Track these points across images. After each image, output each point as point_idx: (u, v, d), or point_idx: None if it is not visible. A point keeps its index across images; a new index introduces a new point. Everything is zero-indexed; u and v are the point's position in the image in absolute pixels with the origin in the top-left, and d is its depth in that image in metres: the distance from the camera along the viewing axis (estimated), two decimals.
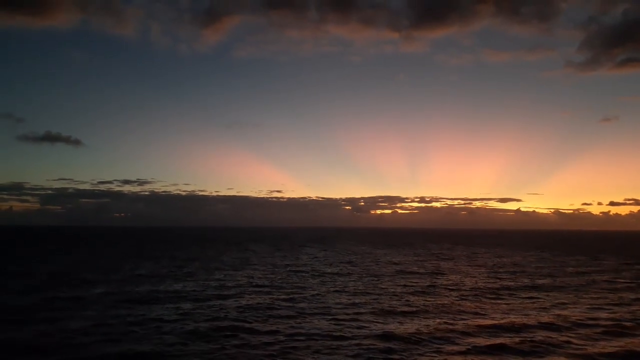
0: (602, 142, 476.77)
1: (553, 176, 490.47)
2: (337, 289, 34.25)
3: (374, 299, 29.75)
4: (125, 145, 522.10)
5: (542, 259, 68.90)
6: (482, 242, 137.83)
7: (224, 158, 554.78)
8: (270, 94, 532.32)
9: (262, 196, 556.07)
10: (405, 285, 36.52)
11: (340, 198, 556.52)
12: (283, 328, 21.61)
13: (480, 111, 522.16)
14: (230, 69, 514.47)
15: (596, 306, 28.37)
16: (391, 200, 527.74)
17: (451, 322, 23.36)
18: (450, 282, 39.36)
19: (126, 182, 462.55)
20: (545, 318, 24.45)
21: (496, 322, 23.47)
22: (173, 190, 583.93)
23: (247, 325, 22.12)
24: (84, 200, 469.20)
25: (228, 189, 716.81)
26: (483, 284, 37.90)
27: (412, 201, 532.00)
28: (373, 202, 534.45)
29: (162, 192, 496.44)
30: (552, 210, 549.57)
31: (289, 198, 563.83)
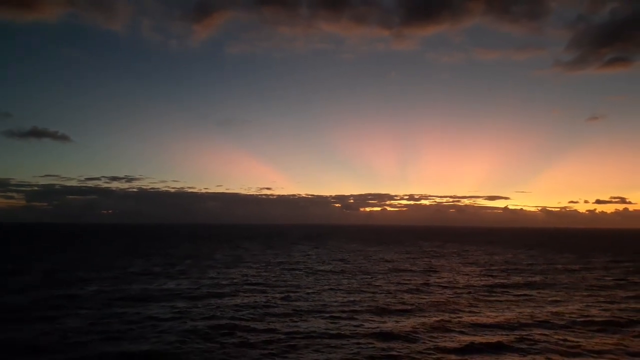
0: (589, 141, 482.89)
1: (541, 174, 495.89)
2: (331, 286, 34.33)
3: (369, 297, 29.87)
4: (114, 142, 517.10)
5: (532, 256, 69.62)
6: (472, 240, 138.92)
7: (214, 155, 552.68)
8: (261, 90, 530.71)
9: (251, 193, 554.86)
10: (399, 283, 36.71)
11: (330, 195, 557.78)
12: (280, 326, 21.63)
13: (469, 109, 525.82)
14: (221, 66, 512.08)
15: (589, 303, 28.76)
16: (381, 198, 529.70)
17: (447, 320, 23.55)
18: (444, 279, 39.64)
19: (114, 178, 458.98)
20: (540, 315, 24.75)
21: (492, 320, 23.70)
22: (162, 187, 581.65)
23: (244, 323, 22.10)
24: (71, 197, 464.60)
25: (217, 185, 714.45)
26: (476, 282, 38.23)
27: (402, 199, 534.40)
28: (363, 199, 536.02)
29: (151, 189, 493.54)
30: (540, 208, 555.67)
31: (278, 195, 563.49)
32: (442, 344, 19.14)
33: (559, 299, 30.49)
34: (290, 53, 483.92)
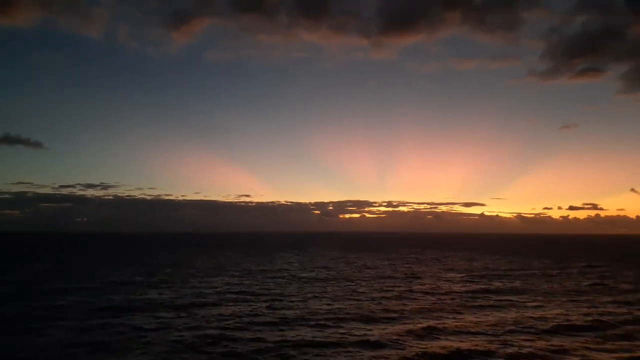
0: (563, 149, 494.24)
1: (516, 181, 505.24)
2: (316, 294, 34.27)
3: (354, 304, 29.90)
4: (89, 148, 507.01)
5: (510, 262, 70.81)
6: (450, 246, 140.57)
7: (191, 162, 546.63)
8: (239, 98, 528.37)
9: (230, 200, 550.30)
10: (382, 290, 36.86)
11: (309, 202, 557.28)
12: (267, 336, 21.46)
13: (446, 117, 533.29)
14: (200, 73, 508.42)
15: (570, 308, 29.34)
16: (359, 205, 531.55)
17: (433, 326, 23.71)
18: (426, 286, 39.96)
19: (89, 186, 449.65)
20: (523, 320, 25.16)
21: (476, 325, 23.98)
22: (138, 194, 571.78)
23: (230, 333, 21.85)
24: (44, 204, 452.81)
25: (195, 193, 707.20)
26: (458, 288, 38.66)
27: (380, 205, 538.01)
28: (342, 206, 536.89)
29: (127, 196, 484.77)
30: (515, 215, 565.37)
31: (257, 202, 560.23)
32: (430, 350, 19.29)
33: (540, 304, 31.06)
34: (270, 61, 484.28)
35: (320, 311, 27.47)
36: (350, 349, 19.61)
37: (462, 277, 47.97)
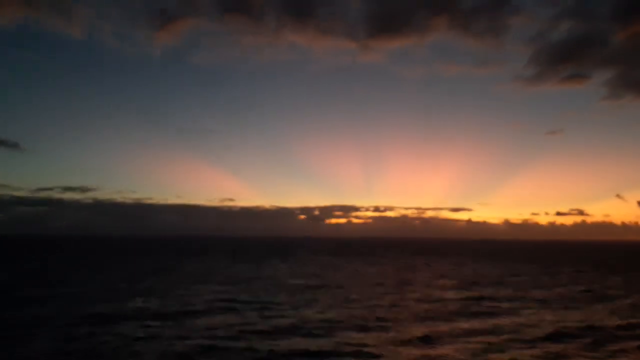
0: (549, 154, 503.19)
1: (502, 186, 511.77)
2: (307, 302, 34.03)
3: (347, 312, 29.77)
4: (68, 150, 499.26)
5: (500, 268, 71.39)
6: (439, 252, 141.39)
7: (173, 165, 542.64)
8: (224, 100, 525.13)
9: (213, 205, 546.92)
10: (374, 297, 36.78)
11: (295, 207, 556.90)
12: (259, 345, 21.19)
13: (433, 122, 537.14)
14: (184, 74, 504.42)
15: (563, 314, 29.61)
16: (346, 210, 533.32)
17: (427, 334, 23.65)
18: (419, 293, 39.98)
19: (68, 189, 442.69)
20: (517, 327, 25.30)
21: (471, 333, 24.03)
22: (118, 198, 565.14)
23: (220, 343, 21.50)
24: (21, 208, 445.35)
25: (177, 196, 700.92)
26: (451, 295, 38.75)
27: (367, 210, 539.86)
28: (328, 211, 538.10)
29: (106, 199, 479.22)
30: (502, 220, 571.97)
31: (242, 207, 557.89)
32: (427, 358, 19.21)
33: (533, 310, 31.27)
34: (255, 63, 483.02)
35: (313, 319, 27.26)
36: (345, 358, 19.46)
37: (454, 284, 48.16)
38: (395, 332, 24.44)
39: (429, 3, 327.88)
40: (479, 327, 25.66)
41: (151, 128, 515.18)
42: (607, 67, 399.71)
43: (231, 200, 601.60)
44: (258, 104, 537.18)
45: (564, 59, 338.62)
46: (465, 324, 26.56)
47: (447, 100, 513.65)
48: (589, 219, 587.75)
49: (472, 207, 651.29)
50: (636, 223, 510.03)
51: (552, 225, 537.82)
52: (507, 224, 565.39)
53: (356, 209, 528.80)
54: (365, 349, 20.74)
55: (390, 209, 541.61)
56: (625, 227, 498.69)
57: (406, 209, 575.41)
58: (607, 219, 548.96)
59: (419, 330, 24.81)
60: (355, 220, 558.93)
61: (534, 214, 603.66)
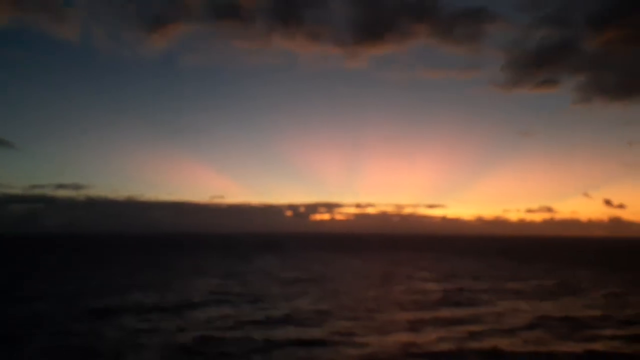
0: (521, 154, 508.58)
1: (476, 184, 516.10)
2: (298, 294, 34.09)
3: (337, 303, 29.91)
4: (61, 149, 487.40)
5: (476, 262, 72.34)
6: (417, 247, 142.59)
7: (165, 163, 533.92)
8: (214, 101, 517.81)
9: (203, 202, 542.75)
10: (361, 289, 37.01)
11: (282, 204, 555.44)
12: (256, 335, 21.23)
13: (413, 124, 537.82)
14: (175, 76, 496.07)
15: (544, 306, 30.17)
16: (330, 206, 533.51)
17: (414, 322, 23.95)
18: (403, 285, 40.31)
19: (61, 186, 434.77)
20: (499, 320, 25.75)
21: (454, 323, 24.36)
22: (111, 195, 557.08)
23: (220, 334, 21.48)
24: (14, 205, 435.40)
25: (168, 194, 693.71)
26: (433, 287, 39.16)
27: (349, 207, 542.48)
28: (313, 208, 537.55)
29: (99, 197, 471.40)
30: (475, 217, 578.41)
31: (230, 204, 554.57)
32: (413, 350, 19.44)
33: (511, 301, 31.79)
34: (245, 66, 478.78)
35: (305, 310, 27.35)
36: (337, 346, 19.61)
37: (434, 276, 48.67)
38: (382, 321, 24.69)
39: (412, 11, 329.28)
40: (460, 316, 26.13)
41: (143, 127, 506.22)
42: (578, 72, 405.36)
43: (220, 197, 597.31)
44: (247, 105, 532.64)
45: (538, 65, 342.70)
46: (447, 313, 27.01)
47: (425, 103, 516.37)
48: (557, 216, 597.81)
49: (447, 204, 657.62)
50: (601, 220, 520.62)
51: (522, 221, 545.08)
52: (480, 220, 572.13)
53: (339, 205, 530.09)
54: (355, 338, 20.94)
55: (371, 205, 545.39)
56: (591, 223, 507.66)
57: (386, 205, 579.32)
58: (574, 216, 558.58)
59: (404, 319, 25.16)
60: (338, 217, 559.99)
61: (505, 210, 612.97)
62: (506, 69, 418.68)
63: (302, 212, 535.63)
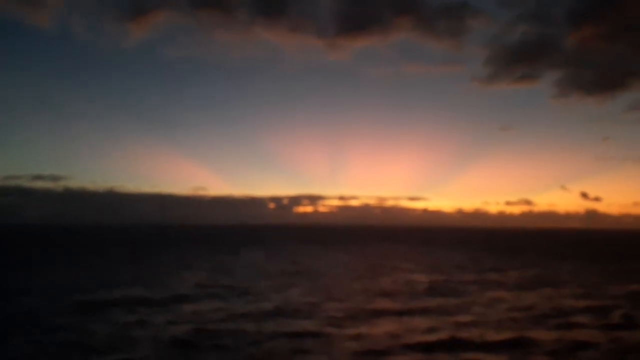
0: (501, 148, 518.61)
1: (457, 177, 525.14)
2: (287, 286, 34.18)
3: (326, 294, 30.13)
4: (38, 139, 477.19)
5: (459, 254, 73.49)
6: (400, 239, 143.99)
7: (146, 154, 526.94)
8: (196, 92, 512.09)
9: (186, 194, 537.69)
10: (349, 280, 37.32)
11: (265, 196, 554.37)
12: (248, 327, 21.28)
13: (395, 117, 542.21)
14: (155, 67, 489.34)
15: (530, 298, 30.86)
16: (313, 199, 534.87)
17: (402, 311, 24.29)
18: (390, 276, 40.78)
19: (38, 177, 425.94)
20: (483, 305, 26.30)
21: (441, 312, 24.77)
22: (90, 187, 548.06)
23: (211, 326, 21.44)
24: None
25: (150, 186, 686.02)
26: (420, 278, 39.68)
27: (333, 199, 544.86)
28: (296, 200, 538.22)
29: (78, 188, 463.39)
30: (455, 209, 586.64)
31: (213, 196, 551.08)
32: (403, 341, 19.74)
33: (494, 291, 32.48)
34: (227, 57, 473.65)
35: (295, 302, 27.47)
36: (329, 337, 19.80)
37: (419, 267, 49.31)
38: (372, 312, 24.99)
39: (395, 3, 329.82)
40: (446, 305, 26.69)
41: (123, 117, 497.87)
42: (557, 68, 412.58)
43: (203, 189, 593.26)
44: (229, 96, 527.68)
45: (518, 60, 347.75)
46: (434, 302, 27.55)
47: (408, 97, 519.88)
48: (535, 208, 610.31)
49: (429, 197, 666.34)
50: (578, 212, 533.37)
51: (501, 214, 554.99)
52: (460, 212, 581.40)
53: (322, 198, 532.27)
54: (346, 329, 21.14)
55: (354, 198, 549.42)
56: (568, 215, 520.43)
57: (368, 197, 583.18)
58: (552, 208, 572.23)
59: (393, 308, 25.55)
60: (321, 209, 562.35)
61: (485, 203, 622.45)
62: (487, 65, 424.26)
63: (285, 204, 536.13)
